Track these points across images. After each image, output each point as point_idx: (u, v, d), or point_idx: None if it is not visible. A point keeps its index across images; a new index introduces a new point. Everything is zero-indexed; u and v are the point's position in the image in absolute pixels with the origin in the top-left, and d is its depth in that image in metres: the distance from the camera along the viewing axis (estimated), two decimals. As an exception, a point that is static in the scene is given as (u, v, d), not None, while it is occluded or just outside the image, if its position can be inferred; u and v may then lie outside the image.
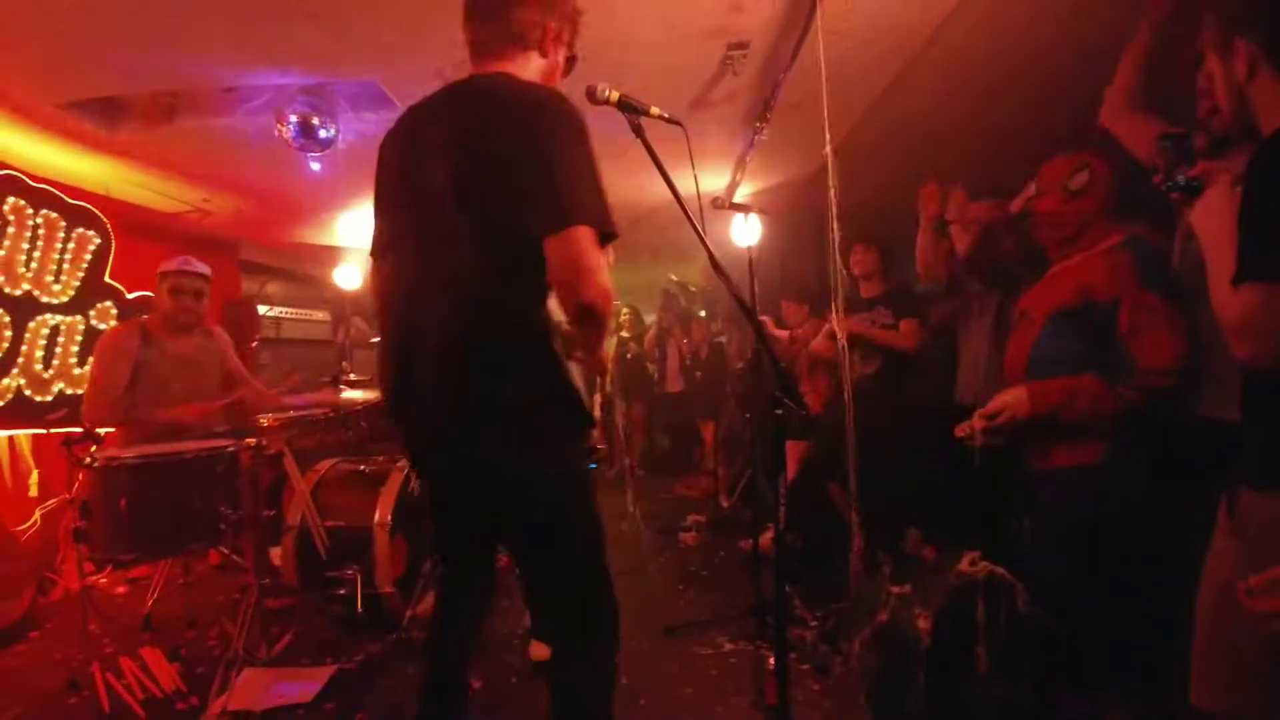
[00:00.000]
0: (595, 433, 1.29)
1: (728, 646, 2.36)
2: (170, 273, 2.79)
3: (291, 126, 2.95)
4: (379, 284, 1.35)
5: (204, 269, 2.85)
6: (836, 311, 2.58)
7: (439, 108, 1.27)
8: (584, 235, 1.07)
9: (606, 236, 1.14)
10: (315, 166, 3.36)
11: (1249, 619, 1.07)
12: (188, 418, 2.68)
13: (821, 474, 3.21)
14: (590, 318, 1.11)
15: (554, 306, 1.17)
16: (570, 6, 1.35)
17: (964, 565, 2.08)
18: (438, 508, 1.40)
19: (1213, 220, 1.06)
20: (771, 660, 1.86)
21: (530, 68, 1.31)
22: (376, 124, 3.20)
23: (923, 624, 2.01)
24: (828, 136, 2.31)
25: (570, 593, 1.27)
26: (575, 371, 1.20)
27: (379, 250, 1.34)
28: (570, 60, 1.39)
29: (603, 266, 1.10)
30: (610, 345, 1.25)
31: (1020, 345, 1.87)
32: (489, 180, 1.14)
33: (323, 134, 3.02)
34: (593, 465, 1.30)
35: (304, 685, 2.06)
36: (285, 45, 2.47)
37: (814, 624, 2.48)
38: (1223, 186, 1.06)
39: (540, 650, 2.26)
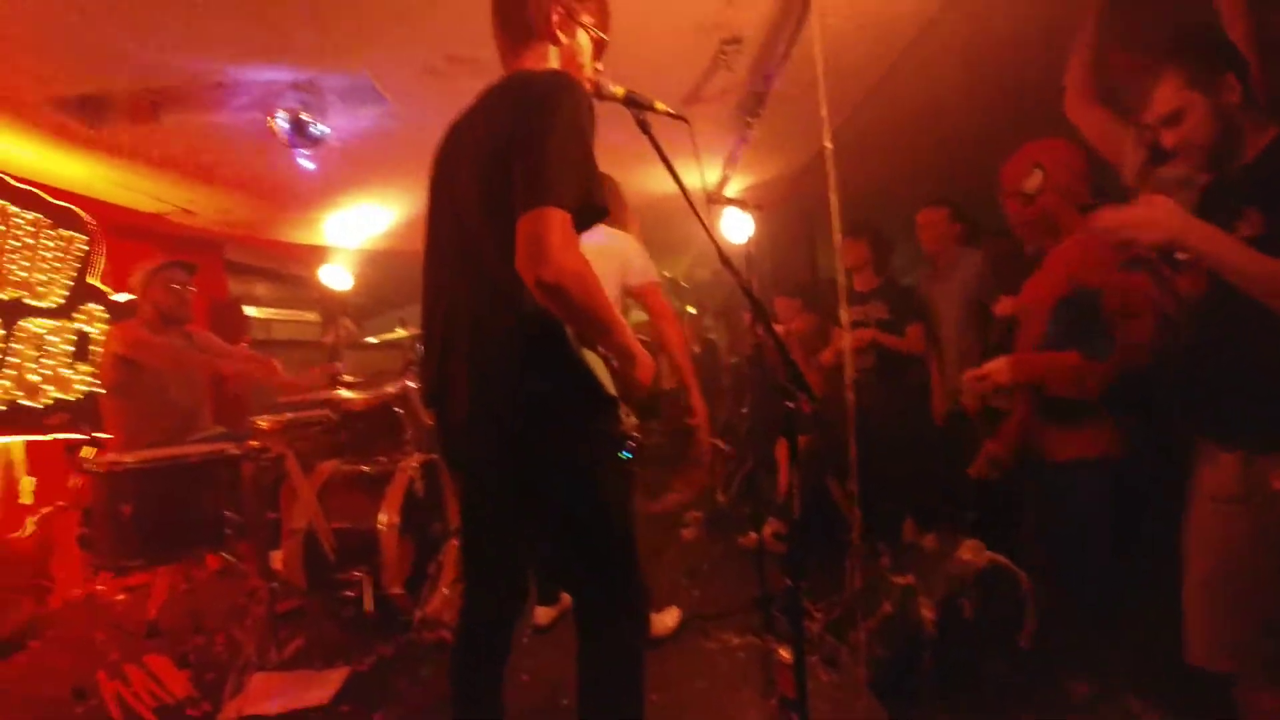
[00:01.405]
0: (632, 420, 1.28)
1: (735, 641, 2.39)
2: (161, 267, 2.88)
3: (283, 123, 2.91)
4: (423, 287, 1.38)
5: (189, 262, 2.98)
6: (844, 317, 2.62)
7: (468, 113, 1.32)
8: (548, 215, 1.05)
9: (595, 212, 1.14)
10: (308, 165, 3.31)
11: (1246, 583, 1.17)
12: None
13: (820, 467, 3.25)
14: (556, 299, 1.06)
15: None
16: None
17: (965, 553, 2.14)
18: (470, 502, 1.39)
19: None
20: (783, 653, 1.89)
21: (549, 58, 1.32)
22: (368, 119, 3.17)
23: (926, 613, 2.07)
24: (827, 129, 2.32)
25: (599, 581, 1.28)
26: (594, 359, 1.21)
27: (425, 256, 1.38)
28: (599, 44, 1.38)
29: (568, 246, 1.06)
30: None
31: (1026, 339, 1.93)
32: (497, 171, 1.15)
33: (314, 131, 2.97)
34: (626, 454, 1.27)
35: (319, 688, 2.06)
36: (275, 39, 2.43)
37: (818, 616, 2.52)
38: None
39: (543, 614, 2.41)
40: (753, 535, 2.96)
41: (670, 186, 1.36)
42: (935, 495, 3.07)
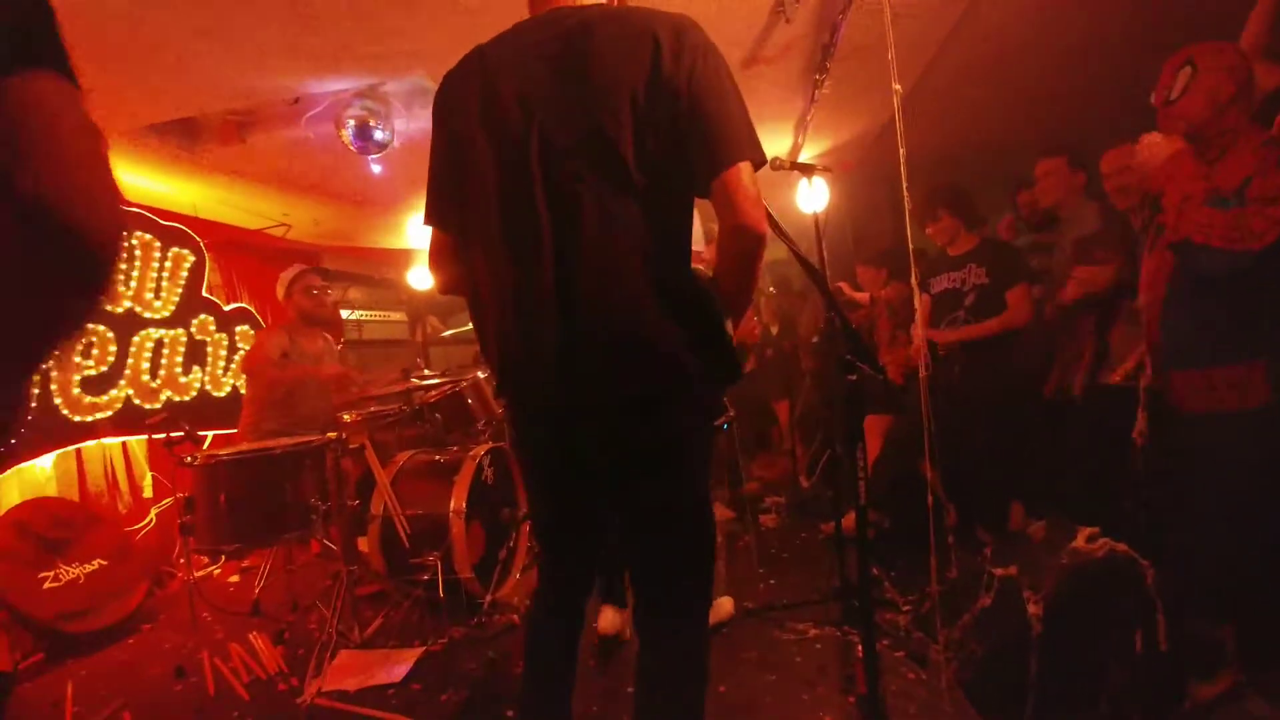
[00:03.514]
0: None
1: (812, 632, 2.23)
2: (300, 274, 3.16)
3: (350, 130, 3.03)
4: (469, 257, 1.19)
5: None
6: (914, 287, 2.38)
7: (532, 48, 1.12)
8: (748, 170, 1.06)
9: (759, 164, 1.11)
10: (376, 168, 3.45)
11: None
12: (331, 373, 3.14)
13: (910, 450, 2.98)
14: (756, 255, 1.09)
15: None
16: None
17: (1080, 543, 1.87)
18: (558, 481, 1.27)
19: None
20: (860, 647, 1.73)
21: None
22: (428, 120, 3.26)
23: (1033, 609, 1.82)
24: (894, 70, 2.07)
25: (686, 563, 1.19)
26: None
27: (458, 220, 1.20)
28: None
29: None
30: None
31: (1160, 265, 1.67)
32: (636, 122, 1.04)
33: (379, 135, 3.08)
34: (725, 425, 1.22)
35: (393, 667, 2.13)
36: (337, 49, 2.52)
37: (907, 609, 2.31)
38: None
39: (606, 622, 2.21)
40: (831, 523, 2.77)
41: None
42: (1046, 478, 2.74)
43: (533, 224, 1.08)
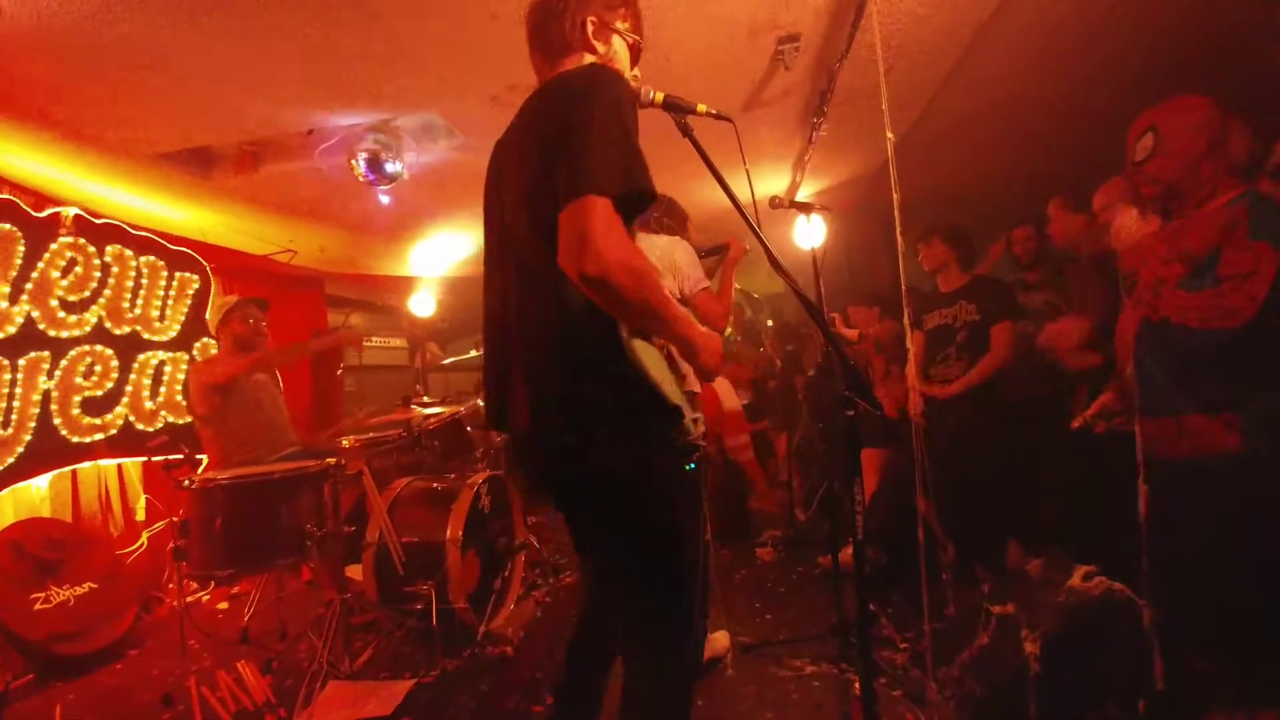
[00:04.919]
0: (700, 428, 1.19)
1: (809, 669, 2.21)
2: (240, 303, 3.19)
3: (362, 163, 3.11)
4: (484, 305, 1.35)
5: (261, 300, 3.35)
6: (912, 345, 2.42)
7: (510, 128, 1.30)
8: (590, 205, 0.99)
9: (642, 199, 1.06)
10: (384, 199, 3.53)
11: None
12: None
13: (906, 485, 2.99)
14: (604, 292, 1.00)
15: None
16: None
17: (1076, 581, 1.88)
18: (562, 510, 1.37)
19: None
20: (858, 685, 1.72)
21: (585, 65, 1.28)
22: (440, 153, 3.34)
23: (1030, 648, 1.82)
24: (887, 119, 2.16)
25: (655, 602, 1.18)
26: (654, 361, 1.12)
27: (484, 275, 1.36)
28: (636, 49, 1.35)
29: (612, 235, 0.99)
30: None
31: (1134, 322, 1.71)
32: (539, 171, 1.11)
33: (390, 168, 3.16)
34: (690, 466, 1.18)
35: (383, 699, 2.10)
36: (352, 86, 2.60)
37: (904, 646, 2.29)
38: None
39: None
40: (828, 557, 2.76)
41: (742, 198, 1.32)
42: (1043, 515, 2.75)
43: (497, 277, 1.26)
